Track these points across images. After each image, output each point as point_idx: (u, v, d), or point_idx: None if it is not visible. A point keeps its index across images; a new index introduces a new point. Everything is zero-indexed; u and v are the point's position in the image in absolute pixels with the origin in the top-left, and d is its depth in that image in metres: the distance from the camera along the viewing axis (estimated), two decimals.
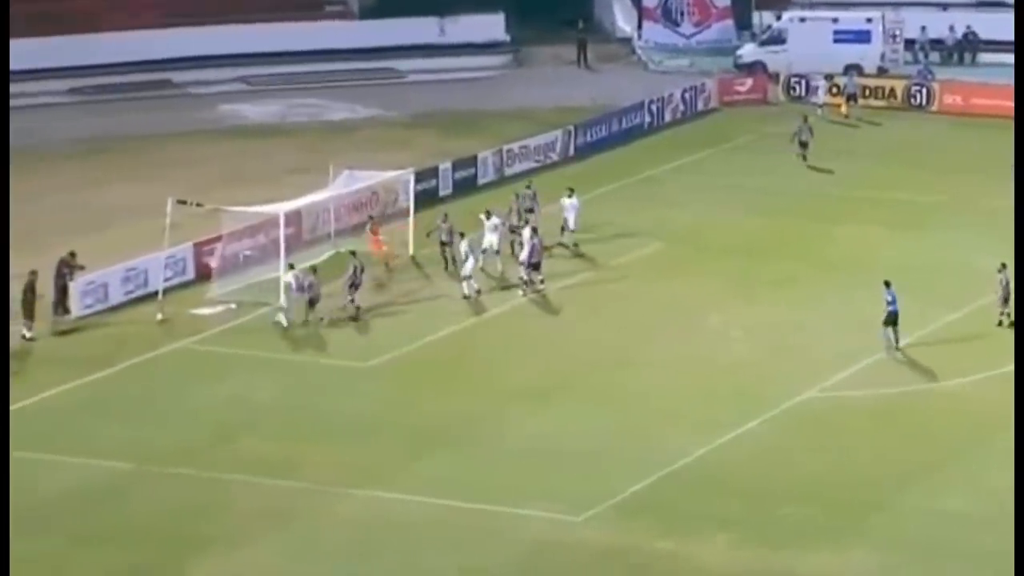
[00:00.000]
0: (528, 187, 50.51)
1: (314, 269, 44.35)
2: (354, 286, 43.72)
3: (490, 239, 46.44)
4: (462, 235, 45.79)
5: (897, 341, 41.22)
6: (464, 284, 44.97)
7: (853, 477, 35.49)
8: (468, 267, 45.09)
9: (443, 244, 47.17)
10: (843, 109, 62.89)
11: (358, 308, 43.62)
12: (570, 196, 48.86)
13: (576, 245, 48.48)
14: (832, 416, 38.43)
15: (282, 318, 42.94)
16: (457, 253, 45.70)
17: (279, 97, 65.04)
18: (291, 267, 43.72)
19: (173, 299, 44.32)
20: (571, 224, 48.56)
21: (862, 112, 63.53)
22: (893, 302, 41.13)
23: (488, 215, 46.88)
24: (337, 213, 49.22)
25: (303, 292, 43.10)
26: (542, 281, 45.46)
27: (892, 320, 41.14)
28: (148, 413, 38.47)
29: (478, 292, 44.94)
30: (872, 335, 41.45)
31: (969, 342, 42.19)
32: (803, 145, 56.92)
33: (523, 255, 45.56)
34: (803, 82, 65.23)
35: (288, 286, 43.16)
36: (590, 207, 50.04)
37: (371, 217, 48.59)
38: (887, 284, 41.41)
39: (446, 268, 46.86)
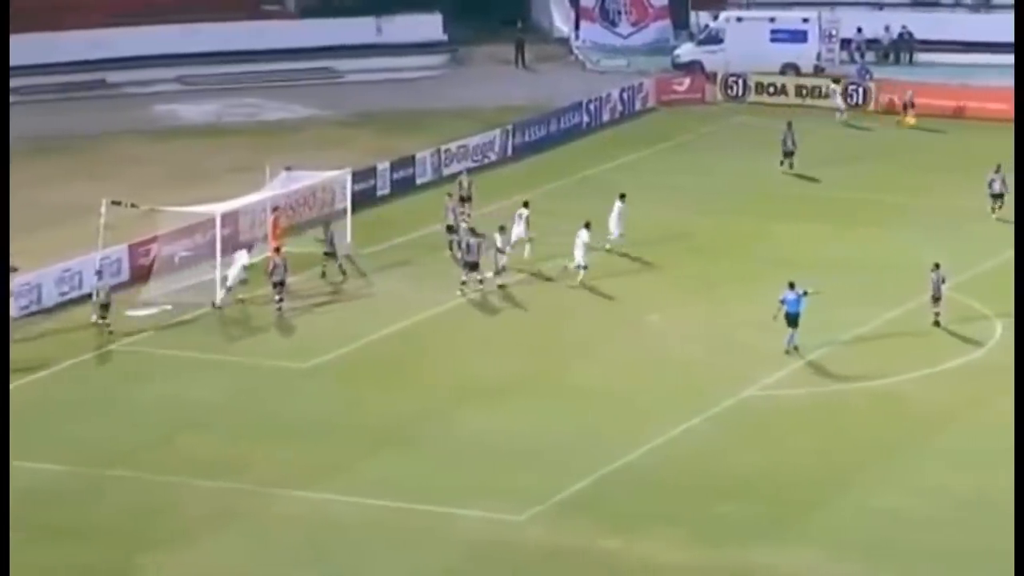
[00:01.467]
0: (466, 175, 50.16)
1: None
2: (278, 284, 43.33)
3: (517, 231, 46.30)
4: (502, 228, 45.74)
5: (794, 340, 40.90)
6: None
7: (793, 475, 35.57)
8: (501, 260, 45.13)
9: (449, 228, 47.01)
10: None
11: (280, 305, 43.31)
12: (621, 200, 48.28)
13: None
14: (773, 414, 38.52)
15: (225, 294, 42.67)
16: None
17: (216, 97, 64.72)
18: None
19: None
20: (613, 229, 47.98)
21: (793, 112, 63.65)
22: (793, 303, 40.93)
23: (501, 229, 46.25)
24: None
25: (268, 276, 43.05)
26: (480, 281, 45.35)
27: (792, 322, 40.90)
28: (85, 416, 38.13)
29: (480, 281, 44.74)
30: (812, 333, 41.54)
31: (908, 340, 42.38)
32: (787, 155, 56.39)
33: (460, 254, 45.45)
34: (740, 81, 65.43)
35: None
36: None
37: (275, 208, 47.83)
38: (791, 285, 41.26)
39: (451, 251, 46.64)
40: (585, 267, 45.53)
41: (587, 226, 46.11)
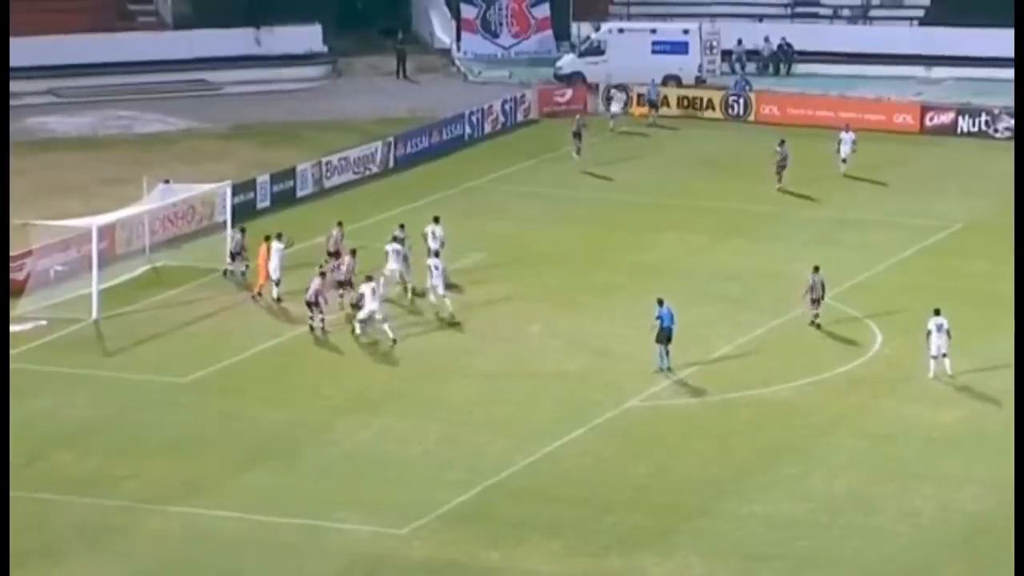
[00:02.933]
0: (339, 226, 48.03)
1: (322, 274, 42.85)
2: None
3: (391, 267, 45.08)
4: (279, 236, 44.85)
5: (668, 359, 40.41)
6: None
7: (677, 484, 35.50)
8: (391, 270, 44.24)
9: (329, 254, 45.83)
10: (637, 115, 63.25)
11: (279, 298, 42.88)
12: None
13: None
14: (655, 424, 38.44)
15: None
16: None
17: (90, 109, 63.87)
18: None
19: None
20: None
21: (677, 122, 63.98)
22: (664, 319, 40.77)
23: (394, 239, 45.60)
24: (152, 226, 48.28)
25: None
26: (341, 296, 44.30)
27: (665, 338, 40.66)
28: None
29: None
30: (694, 345, 41.51)
31: (790, 349, 42.49)
32: (577, 136, 57.85)
33: (337, 273, 44.85)
34: (623, 92, 65.48)
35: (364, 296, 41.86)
36: (411, 218, 49.45)
37: (267, 237, 45.76)
38: (660, 302, 41.05)
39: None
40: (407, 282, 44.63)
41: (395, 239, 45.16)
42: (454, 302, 44.63)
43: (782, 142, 55.68)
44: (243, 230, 47.04)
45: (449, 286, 44.71)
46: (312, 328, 42.70)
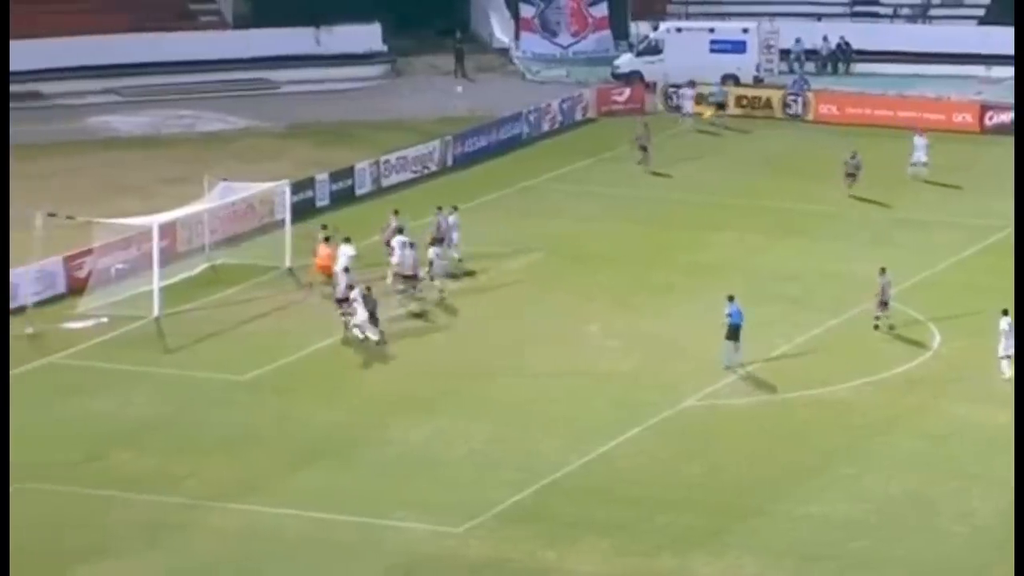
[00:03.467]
0: (396, 212, 48.95)
1: (368, 289, 42.54)
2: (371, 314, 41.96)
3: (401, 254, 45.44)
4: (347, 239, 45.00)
5: (739, 355, 40.58)
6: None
7: (733, 483, 35.50)
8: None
9: (388, 244, 46.26)
10: (706, 116, 63.17)
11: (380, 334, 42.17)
12: None
13: None
14: (711, 424, 38.44)
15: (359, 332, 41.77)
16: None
17: (152, 108, 64.30)
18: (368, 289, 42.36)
19: (43, 313, 43.55)
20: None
21: (737, 122, 63.91)
22: (733, 316, 40.85)
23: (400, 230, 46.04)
24: (212, 225, 48.60)
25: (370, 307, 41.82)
26: (420, 292, 45.07)
27: (733, 334, 40.78)
28: (20, 428, 37.55)
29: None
30: (751, 344, 41.45)
31: (848, 349, 42.39)
32: (642, 149, 57.31)
33: (398, 267, 45.16)
34: (680, 92, 65.49)
35: (356, 302, 41.81)
36: (468, 217, 49.78)
37: (323, 227, 46.86)
38: (730, 298, 41.15)
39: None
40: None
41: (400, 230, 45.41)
42: (509, 299, 44.78)
43: (854, 154, 54.92)
44: (396, 211, 47.22)
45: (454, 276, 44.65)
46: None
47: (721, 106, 64.17)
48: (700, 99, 63.98)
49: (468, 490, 34.85)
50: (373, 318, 41.92)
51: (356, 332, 42.21)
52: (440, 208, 48.47)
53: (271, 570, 32.07)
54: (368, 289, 42.48)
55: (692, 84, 64.00)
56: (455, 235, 47.81)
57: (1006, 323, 39.92)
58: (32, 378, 40.38)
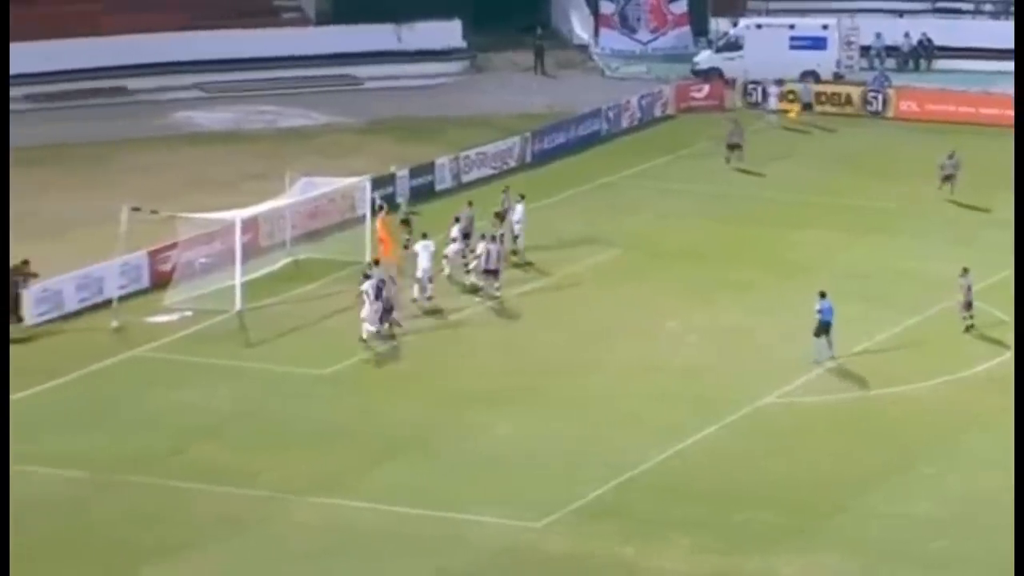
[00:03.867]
0: (504, 191, 50.20)
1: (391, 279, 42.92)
2: (387, 310, 42.24)
3: (454, 247, 46.18)
4: (424, 235, 45.43)
5: (831, 350, 40.78)
6: (416, 287, 44.72)
7: (813, 481, 35.47)
8: (423, 269, 44.78)
9: (465, 236, 46.80)
10: (792, 115, 63.01)
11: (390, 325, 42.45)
12: None
13: None
14: (791, 421, 38.41)
15: (365, 329, 41.95)
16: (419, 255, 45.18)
17: (235, 104, 64.77)
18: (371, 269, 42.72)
19: (128, 307, 44.02)
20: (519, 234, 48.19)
21: (817, 119, 63.71)
22: (824, 312, 40.83)
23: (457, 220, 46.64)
24: (294, 220, 48.97)
25: (379, 300, 42.05)
26: (498, 288, 45.29)
27: (823, 330, 40.78)
28: (103, 421, 38.15)
29: (429, 298, 44.61)
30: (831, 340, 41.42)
31: (928, 347, 42.25)
32: (732, 148, 57.07)
33: (480, 261, 45.43)
34: (759, 88, 65.39)
35: (366, 294, 42.09)
36: (547, 213, 49.92)
37: (380, 207, 47.57)
38: (822, 295, 41.17)
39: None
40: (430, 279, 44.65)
41: (424, 236, 45.42)
42: (587, 295, 44.90)
43: (952, 154, 54.36)
44: (470, 203, 47.94)
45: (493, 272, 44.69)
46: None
47: (807, 105, 63.89)
48: (786, 97, 63.62)
49: (547, 485, 34.99)
50: (387, 312, 41.87)
51: (367, 329, 41.92)
52: (506, 189, 49.06)
53: (351, 564, 32.30)
54: (385, 281, 42.20)
55: (780, 83, 63.79)
56: (518, 227, 47.99)
57: None
58: (117, 371, 40.88)
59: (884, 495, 34.74)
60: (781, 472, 35.80)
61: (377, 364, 41.36)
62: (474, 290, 45.30)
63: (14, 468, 35.18)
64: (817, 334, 40.73)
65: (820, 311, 40.70)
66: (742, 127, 58.24)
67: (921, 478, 35.55)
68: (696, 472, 35.77)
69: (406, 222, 48.79)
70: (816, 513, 34.02)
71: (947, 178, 54.14)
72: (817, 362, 40.57)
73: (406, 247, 46.83)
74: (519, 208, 48.50)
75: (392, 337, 42.36)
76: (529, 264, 47.68)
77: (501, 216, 48.11)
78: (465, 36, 71.08)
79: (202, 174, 55.76)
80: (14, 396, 38.81)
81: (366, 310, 42.09)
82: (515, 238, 48.18)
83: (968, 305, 42.87)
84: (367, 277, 42.64)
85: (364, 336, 41.95)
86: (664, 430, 37.43)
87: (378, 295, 41.99)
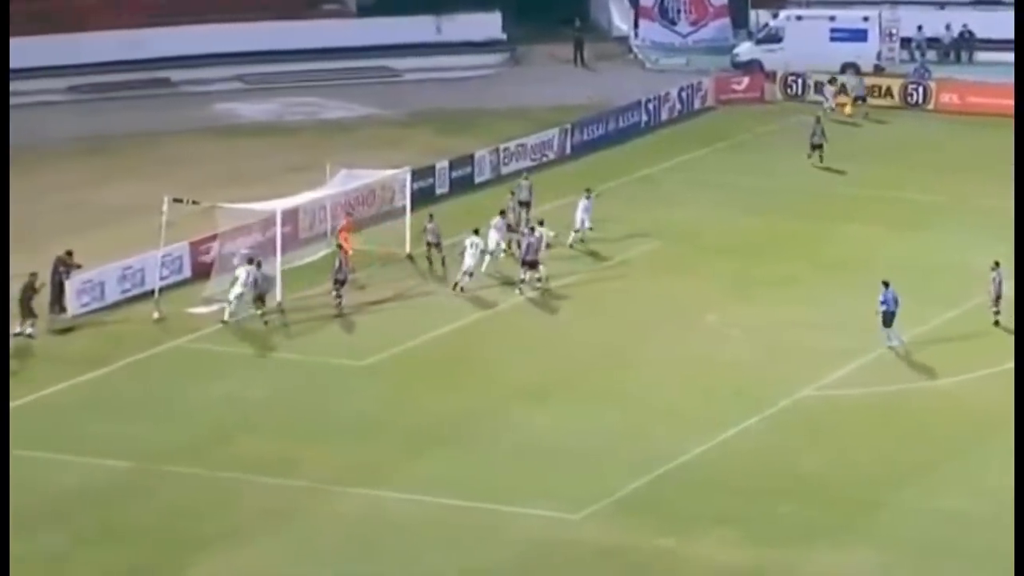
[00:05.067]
0: (525, 179, 50.57)
1: (259, 264, 43.33)
2: (339, 281, 43.59)
3: (495, 237, 46.36)
4: (476, 231, 45.61)
5: (891, 339, 41.11)
6: (463, 276, 44.88)
7: (851, 475, 35.48)
8: (468, 263, 45.01)
9: (429, 245, 47.11)
10: (847, 110, 62.79)
11: (339, 303, 43.38)
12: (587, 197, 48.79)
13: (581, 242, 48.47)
14: (830, 415, 38.42)
15: (226, 312, 42.61)
16: (465, 248, 45.36)
17: (276, 96, 65.02)
18: (251, 261, 43.31)
19: (169, 297, 44.26)
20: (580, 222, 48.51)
21: (865, 110, 63.51)
22: (888, 303, 40.92)
23: (503, 213, 46.88)
24: (334, 211, 49.14)
25: (252, 288, 42.64)
26: (539, 280, 45.41)
27: (888, 321, 41.01)
28: (145, 412, 38.41)
29: (461, 289, 44.74)
30: (869, 334, 41.39)
31: (967, 341, 42.18)
32: (815, 148, 56.77)
33: (520, 253, 45.58)
34: (800, 80, 65.26)
35: (237, 280, 42.69)
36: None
37: (348, 214, 48.24)
38: (885, 284, 41.32)
39: (431, 268, 46.78)
40: (471, 274, 44.93)
41: (476, 232, 45.56)
42: (627, 288, 44.96)
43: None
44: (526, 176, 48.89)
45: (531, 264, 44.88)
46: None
47: (862, 99, 63.65)
48: (841, 91, 63.31)
49: (587, 477, 35.10)
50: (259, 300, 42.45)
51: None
52: (526, 176, 49.70)
53: (392, 555, 32.46)
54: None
55: (832, 80, 63.50)
56: (579, 216, 48.09)
57: None
58: (158, 362, 41.14)
59: (924, 490, 34.72)
60: (820, 465, 35.81)
61: (415, 356, 41.51)
62: (523, 281, 45.37)
63: (57, 457, 35.57)
64: (886, 324, 40.80)
65: (883, 302, 40.83)
66: (823, 126, 57.72)
67: (961, 473, 35.52)
68: (735, 465, 35.82)
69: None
70: (856, 507, 34.02)
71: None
72: (891, 347, 40.70)
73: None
74: (584, 202, 48.36)
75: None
76: (581, 247, 47.72)
77: (527, 206, 48.31)
78: (505, 28, 71.17)
79: (243, 165, 55.97)
80: (58, 386, 39.18)
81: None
82: (578, 230, 48.08)
83: (997, 299, 42.79)
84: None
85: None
86: (703, 423, 37.49)
87: (255, 283, 42.45)
